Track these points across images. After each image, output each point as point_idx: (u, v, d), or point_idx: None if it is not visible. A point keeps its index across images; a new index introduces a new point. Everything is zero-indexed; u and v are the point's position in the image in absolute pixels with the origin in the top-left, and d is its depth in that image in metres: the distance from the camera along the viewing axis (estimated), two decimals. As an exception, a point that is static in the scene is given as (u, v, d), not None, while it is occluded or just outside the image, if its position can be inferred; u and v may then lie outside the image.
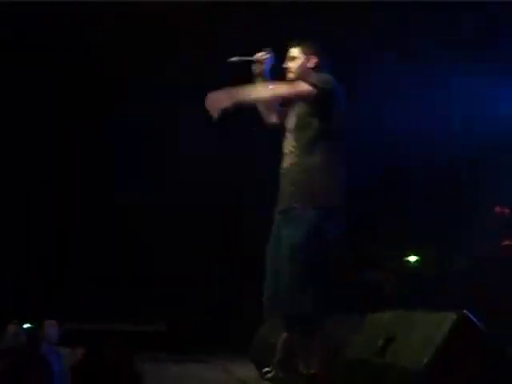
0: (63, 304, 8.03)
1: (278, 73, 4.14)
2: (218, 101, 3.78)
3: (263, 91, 4.06)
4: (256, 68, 4.16)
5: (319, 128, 3.91)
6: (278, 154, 4.16)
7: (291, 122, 4.07)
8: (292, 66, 4.08)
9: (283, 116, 4.20)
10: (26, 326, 5.55)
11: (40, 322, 6.12)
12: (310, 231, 3.75)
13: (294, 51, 4.11)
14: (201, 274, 9.07)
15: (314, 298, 3.77)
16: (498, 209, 5.89)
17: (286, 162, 4.01)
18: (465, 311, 2.76)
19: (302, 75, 4.02)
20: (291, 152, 3.98)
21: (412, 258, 10.84)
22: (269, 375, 4.45)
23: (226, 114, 3.81)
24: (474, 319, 2.75)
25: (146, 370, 5.49)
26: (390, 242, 9.82)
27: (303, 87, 3.86)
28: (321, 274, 3.83)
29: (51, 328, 6.23)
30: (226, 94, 3.80)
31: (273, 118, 4.26)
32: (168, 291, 8.76)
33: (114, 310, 8.54)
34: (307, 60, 4.11)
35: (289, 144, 4.02)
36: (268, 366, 4.53)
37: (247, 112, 4.05)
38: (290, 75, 4.08)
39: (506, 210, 5.34)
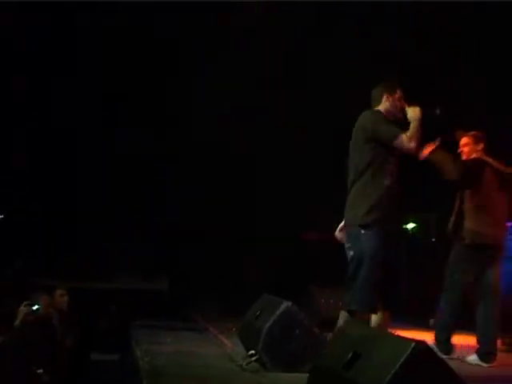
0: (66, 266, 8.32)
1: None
2: None
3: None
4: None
5: None
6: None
7: None
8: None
9: None
10: (35, 307, 5.80)
11: (50, 291, 6.41)
12: None
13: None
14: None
15: None
16: None
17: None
18: (424, 341, 2.92)
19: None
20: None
21: (410, 226, 10.95)
22: (253, 358, 4.72)
23: None
24: (433, 348, 2.92)
25: (142, 338, 5.81)
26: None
27: None
28: None
29: (61, 297, 6.53)
30: None
31: None
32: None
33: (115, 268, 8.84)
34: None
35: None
36: (253, 349, 4.80)
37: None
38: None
39: None
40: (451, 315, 5.83)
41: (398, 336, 3.19)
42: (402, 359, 2.88)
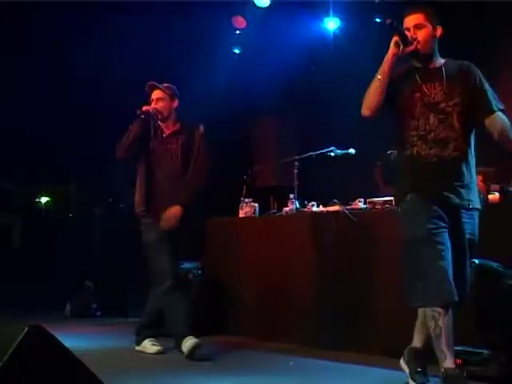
0: None
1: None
2: None
3: None
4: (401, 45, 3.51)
5: None
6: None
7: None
8: (421, 36, 3.55)
9: None
10: None
11: None
12: None
13: (420, 17, 3.57)
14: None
15: None
16: None
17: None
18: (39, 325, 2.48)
19: (432, 49, 3.61)
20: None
21: (44, 199, 9.99)
22: None
23: None
24: (47, 330, 2.50)
25: None
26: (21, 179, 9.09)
27: None
28: None
29: None
30: None
31: None
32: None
33: None
34: (434, 30, 3.59)
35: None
36: None
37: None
38: (418, 46, 3.55)
39: None
40: None
41: (5, 320, 2.68)
42: (13, 348, 2.41)
